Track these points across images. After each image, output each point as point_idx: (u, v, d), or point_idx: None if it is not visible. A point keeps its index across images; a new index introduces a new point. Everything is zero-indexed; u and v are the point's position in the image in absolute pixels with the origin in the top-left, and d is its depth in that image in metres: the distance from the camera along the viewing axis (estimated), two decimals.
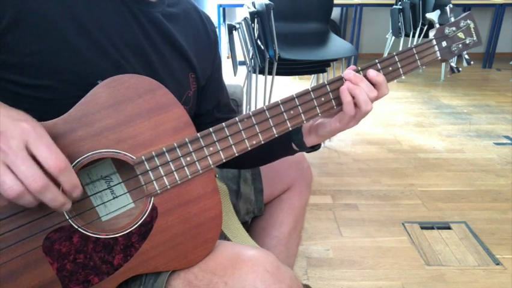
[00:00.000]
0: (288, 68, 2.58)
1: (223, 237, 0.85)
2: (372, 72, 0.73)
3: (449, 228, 1.83)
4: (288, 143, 0.83)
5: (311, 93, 0.73)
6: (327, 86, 0.73)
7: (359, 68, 0.74)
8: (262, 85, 2.52)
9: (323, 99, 0.73)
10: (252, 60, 2.48)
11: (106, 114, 0.62)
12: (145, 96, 0.64)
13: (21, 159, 0.50)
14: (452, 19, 0.82)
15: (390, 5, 4.27)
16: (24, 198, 0.52)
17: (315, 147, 0.83)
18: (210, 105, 0.91)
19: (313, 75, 3.04)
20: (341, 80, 0.74)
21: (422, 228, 1.83)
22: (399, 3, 4.12)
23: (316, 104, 0.73)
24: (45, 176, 0.52)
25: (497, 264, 1.60)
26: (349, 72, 0.73)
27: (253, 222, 1.10)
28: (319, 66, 2.60)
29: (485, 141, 2.73)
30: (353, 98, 0.72)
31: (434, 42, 0.80)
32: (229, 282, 0.65)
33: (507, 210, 1.95)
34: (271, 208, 1.07)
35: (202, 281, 0.67)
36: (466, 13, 0.83)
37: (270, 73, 2.48)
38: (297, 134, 0.81)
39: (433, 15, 0.82)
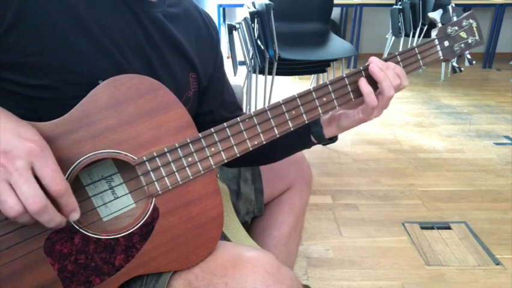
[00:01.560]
0: (288, 68, 2.58)
1: (223, 237, 0.85)
2: (392, 64, 0.75)
3: (449, 228, 1.83)
4: (307, 135, 0.83)
5: (313, 93, 0.73)
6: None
7: (361, 68, 0.74)
8: (262, 85, 2.52)
9: (324, 99, 0.73)
10: (252, 60, 2.48)
11: (107, 114, 0.62)
12: (146, 97, 0.64)
13: (24, 180, 0.51)
14: (455, 18, 0.81)
15: (390, 5, 4.27)
16: (23, 217, 0.53)
17: (332, 139, 0.84)
18: (214, 104, 0.91)
19: (313, 75, 3.04)
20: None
21: (422, 228, 1.83)
22: (399, 3, 4.12)
23: (318, 104, 0.73)
24: (45, 197, 0.53)
25: (497, 264, 1.60)
26: (374, 58, 0.74)
27: (253, 222, 1.10)
28: (319, 66, 2.60)
29: (485, 141, 2.73)
30: (378, 83, 0.73)
31: (437, 42, 0.80)
32: (230, 282, 0.65)
33: (507, 210, 1.96)
34: (271, 208, 1.07)
35: (202, 281, 0.67)
36: (468, 12, 0.82)
37: (270, 73, 2.48)
38: (316, 126, 0.82)
39: (435, 15, 0.81)
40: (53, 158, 0.54)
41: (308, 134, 0.83)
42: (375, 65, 0.73)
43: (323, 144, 0.85)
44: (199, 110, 0.88)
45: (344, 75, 0.74)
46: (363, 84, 0.73)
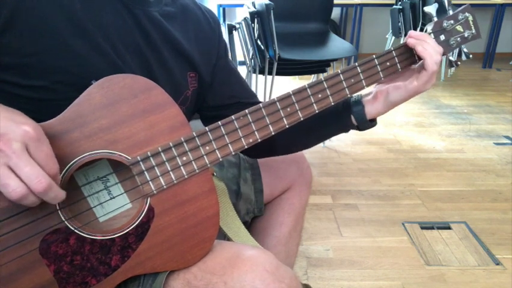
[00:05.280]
0: (288, 68, 2.58)
1: (224, 236, 0.85)
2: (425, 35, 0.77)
3: (449, 228, 1.82)
4: (347, 116, 0.82)
5: (308, 89, 0.73)
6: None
7: (356, 64, 0.74)
8: (262, 85, 2.52)
9: (320, 95, 0.73)
10: (252, 60, 2.48)
11: (100, 114, 0.62)
12: (140, 96, 0.63)
13: (25, 161, 0.52)
14: (451, 12, 0.81)
15: (390, 5, 4.27)
16: (28, 199, 0.53)
17: (372, 123, 0.82)
18: (224, 95, 0.90)
19: (313, 75, 3.04)
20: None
21: (422, 228, 1.82)
22: (399, 3, 4.11)
23: (313, 101, 0.73)
24: (47, 175, 0.53)
25: (497, 264, 1.59)
26: (412, 32, 0.76)
27: (253, 222, 1.10)
28: (319, 66, 2.59)
29: (485, 141, 2.72)
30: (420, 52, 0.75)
31: (432, 36, 0.80)
32: (229, 281, 0.64)
33: (507, 210, 1.95)
34: (271, 208, 1.07)
35: (201, 280, 0.67)
36: (464, 6, 0.81)
37: (270, 73, 2.48)
38: (357, 105, 0.80)
39: (431, 9, 0.80)
40: (47, 143, 0.55)
41: (349, 114, 0.81)
42: (411, 40, 0.76)
43: (362, 129, 0.83)
44: (212, 103, 0.88)
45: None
46: (421, 49, 0.74)
